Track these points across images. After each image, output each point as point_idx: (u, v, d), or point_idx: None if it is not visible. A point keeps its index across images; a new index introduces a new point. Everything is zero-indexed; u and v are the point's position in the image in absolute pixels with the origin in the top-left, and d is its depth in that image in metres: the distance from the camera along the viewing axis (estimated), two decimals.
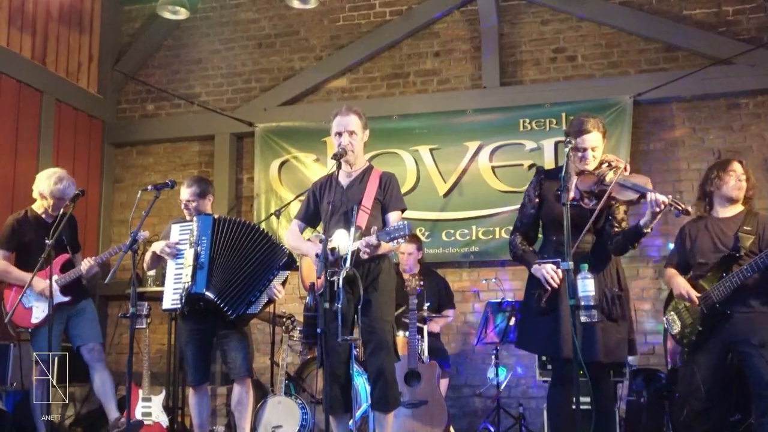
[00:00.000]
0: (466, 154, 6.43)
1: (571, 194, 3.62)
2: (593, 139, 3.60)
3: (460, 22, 6.78)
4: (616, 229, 3.62)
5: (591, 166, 3.63)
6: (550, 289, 3.57)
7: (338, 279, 3.49)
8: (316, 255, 3.62)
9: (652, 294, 6.03)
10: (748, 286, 3.89)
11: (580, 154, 3.63)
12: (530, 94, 6.41)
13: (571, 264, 3.28)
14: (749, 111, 6.08)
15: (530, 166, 6.26)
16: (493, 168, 6.37)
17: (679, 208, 3.36)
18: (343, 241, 3.66)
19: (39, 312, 4.81)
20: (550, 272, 3.55)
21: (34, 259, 4.62)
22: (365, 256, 3.64)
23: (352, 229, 3.65)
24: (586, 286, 3.29)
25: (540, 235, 3.92)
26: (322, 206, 3.90)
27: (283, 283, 4.46)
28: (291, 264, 4.39)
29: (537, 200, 3.78)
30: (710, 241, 4.05)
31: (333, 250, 3.58)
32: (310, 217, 4.06)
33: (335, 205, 3.79)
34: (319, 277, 3.53)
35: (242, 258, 4.32)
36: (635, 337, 3.80)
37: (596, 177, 3.57)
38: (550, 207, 3.72)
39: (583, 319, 3.28)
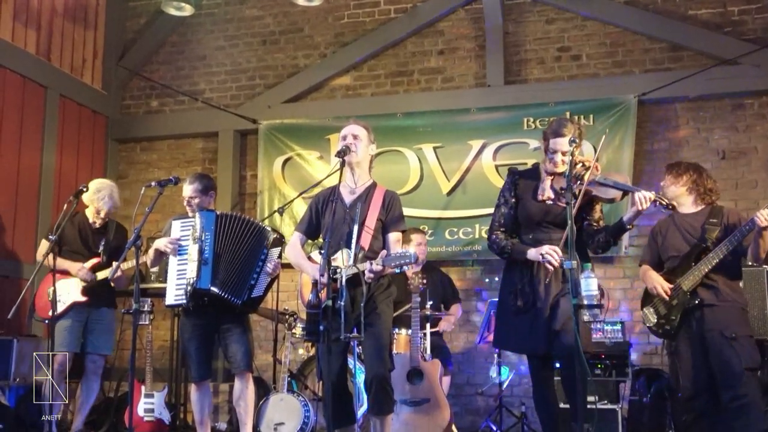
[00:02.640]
0: (470, 153, 6.42)
1: (548, 193, 3.68)
2: (566, 144, 3.60)
3: (465, 20, 6.77)
4: (595, 227, 3.69)
5: (560, 169, 3.64)
6: (552, 268, 3.54)
7: (341, 276, 3.51)
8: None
9: None
10: (718, 276, 4.03)
11: (550, 155, 3.68)
12: (534, 92, 6.41)
13: (574, 264, 3.29)
14: (754, 111, 6.07)
15: (533, 165, 6.25)
16: (496, 167, 6.36)
17: (663, 203, 3.51)
18: (345, 262, 3.71)
19: (59, 306, 4.96)
20: (550, 251, 3.51)
21: (66, 256, 5.08)
22: (369, 281, 3.67)
23: (354, 249, 3.69)
24: (590, 285, 3.31)
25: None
26: (323, 222, 3.91)
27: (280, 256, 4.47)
28: (279, 242, 4.41)
29: (513, 200, 3.80)
30: (679, 234, 4.19)
31: (335, 269, 3.61)
32: (311, 231, 4.07)
33: (337, 224, 3.80)
34: (322, 275, 3.54)
35: (239, 249, 4.36)
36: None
37: (573, 177, 3.57)
38: (525, 206, 3.76)
39: (586, 318, 3.31)
